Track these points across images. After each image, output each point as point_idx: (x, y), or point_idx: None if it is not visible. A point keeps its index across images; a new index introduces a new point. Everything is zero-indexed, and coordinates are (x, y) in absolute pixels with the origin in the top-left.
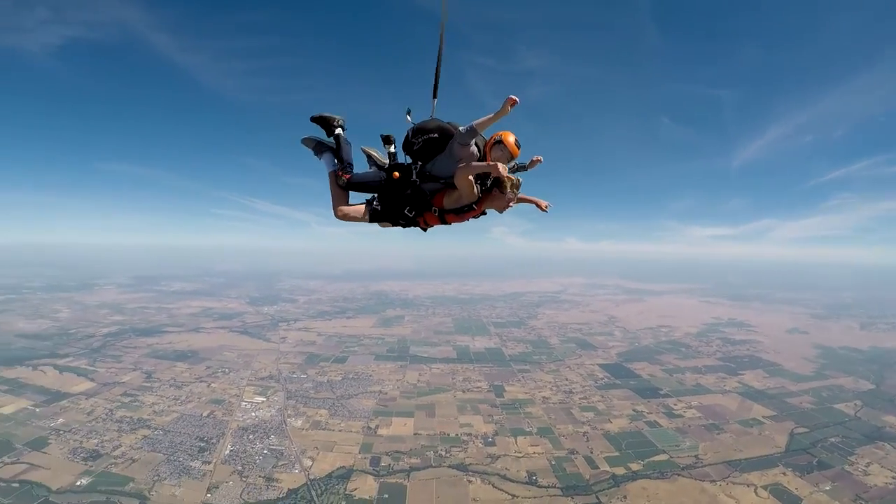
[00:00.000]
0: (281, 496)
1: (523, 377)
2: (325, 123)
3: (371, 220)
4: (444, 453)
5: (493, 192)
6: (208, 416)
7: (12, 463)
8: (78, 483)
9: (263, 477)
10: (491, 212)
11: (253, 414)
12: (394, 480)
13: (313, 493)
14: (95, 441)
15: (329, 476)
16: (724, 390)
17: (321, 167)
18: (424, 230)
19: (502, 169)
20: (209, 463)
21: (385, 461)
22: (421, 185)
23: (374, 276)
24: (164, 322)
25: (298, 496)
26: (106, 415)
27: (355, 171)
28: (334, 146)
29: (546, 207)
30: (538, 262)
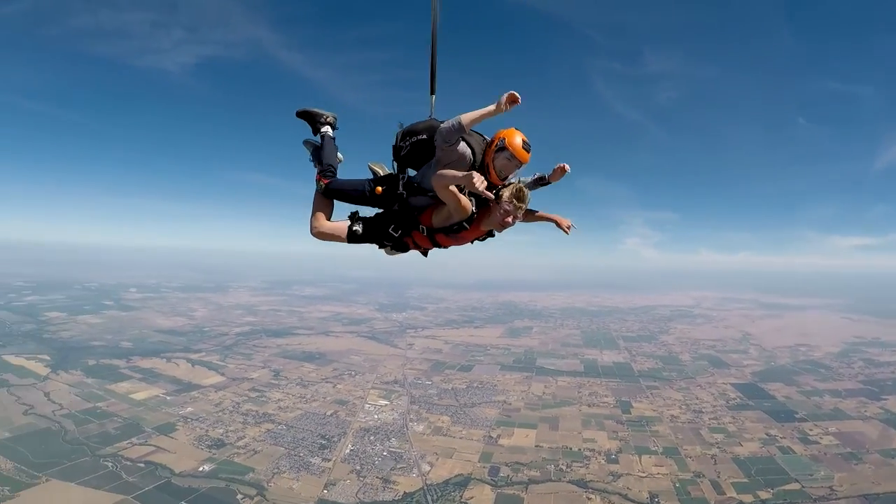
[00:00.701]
0: (396, 498)
1: (651, 394)
2: (312, 120)
3: (350, 241)
4: (564, 468)
5: (490, 207)
6: (332, 415)
7: (141, 444)
8: (200, 468)
9: (381, 478)
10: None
11: (375, 416)
12: (511, 492)
13: (429, 497)
14: (221, 431)
15: (446, 482)
16: (865, 416)
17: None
18: (425, 254)
19: (478, 182)
20: (329, 460)
21: (504, 472)
22: (408, 198)
23: (503, 286)
24: (295, 324)
25: (414, 500)
26: (233, 407)
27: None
28: (319, 145)
29: (568, 228)
30: (671, 274)
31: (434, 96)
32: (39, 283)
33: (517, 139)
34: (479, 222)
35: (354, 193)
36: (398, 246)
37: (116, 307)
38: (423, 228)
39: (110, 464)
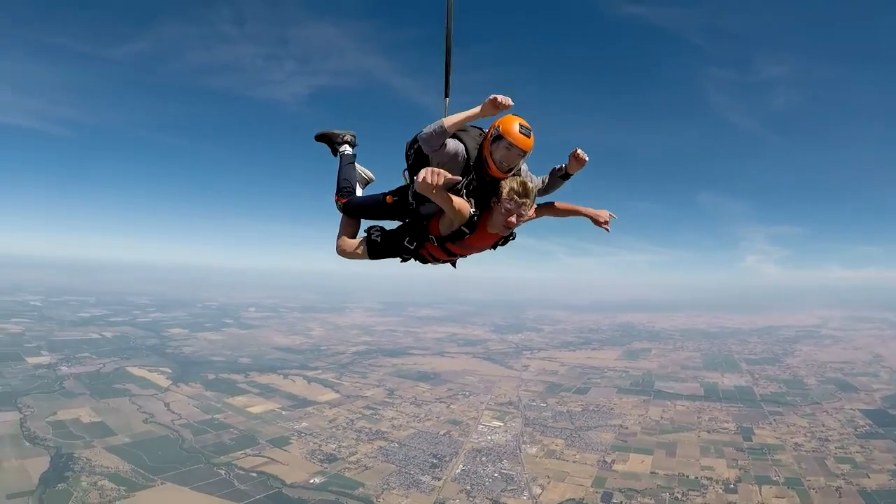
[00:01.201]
0: None
1: (774, 420)
2: (329, 141)
3: (371, 256)
4: (680, 496)
5: (493, 208)
6: (444, 434)
7: (254, 455)
8: (311, 481)
9: (490, 499)
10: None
11: (488, 437)
12: None
13: None
14: (333, 446)
15: None
16: None
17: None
18: (454, 265)
19: (428, 178)
20: (439, 479)
21: (617, 498)
22: (418, 208)
23: (621, 306)
24: (410, 345)
25: None
26: (346, 423)
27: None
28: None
29: (606, 222)
30: (795, 292)
31: (448, 99)
32: (163, 302)
33: (514, 125)
34: (484, 225)
35: (372, 208)
36: (417, 258)
37: (236, 325)
38: (433, 238)
39: (223, 472)
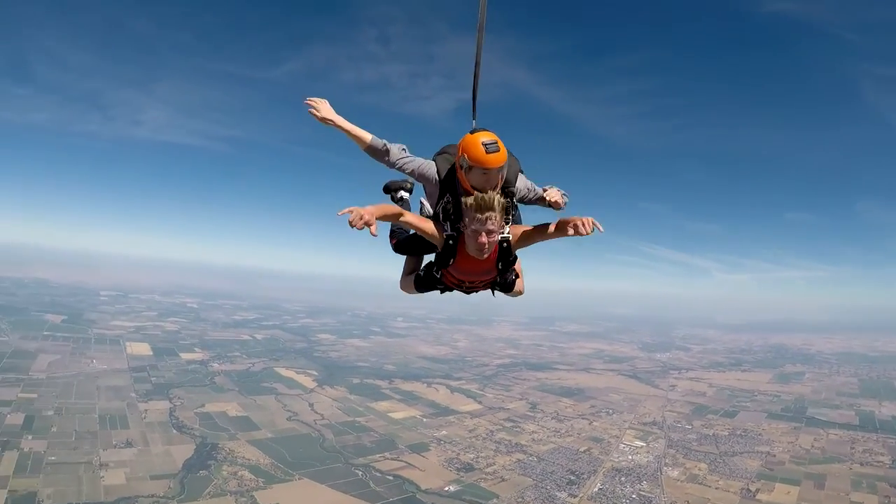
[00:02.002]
0: None
1: None
2: (390, 190)
3: (417, 290)
4: None
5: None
6: (584, 451)
7: (392, 459)
8: (446, 488)
9: None
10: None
11: (629, 457)
12: None
13: None
14: (471, 455)
15: None
16: None
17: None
18: (492, 293)
19: (352, 219)
20: (575, 496)
21: None
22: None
23: (774, 327)
24: (555, 360)
25: None
26: (486, 435)
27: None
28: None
29: (585, 228)
30: None
31: (475, 121)
32: (314, 309)
33: (479, 149)
34: (463, 249)
35: (410, 241)
36: (445, 287)
37: (383, 334)
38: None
39: (361, 472)
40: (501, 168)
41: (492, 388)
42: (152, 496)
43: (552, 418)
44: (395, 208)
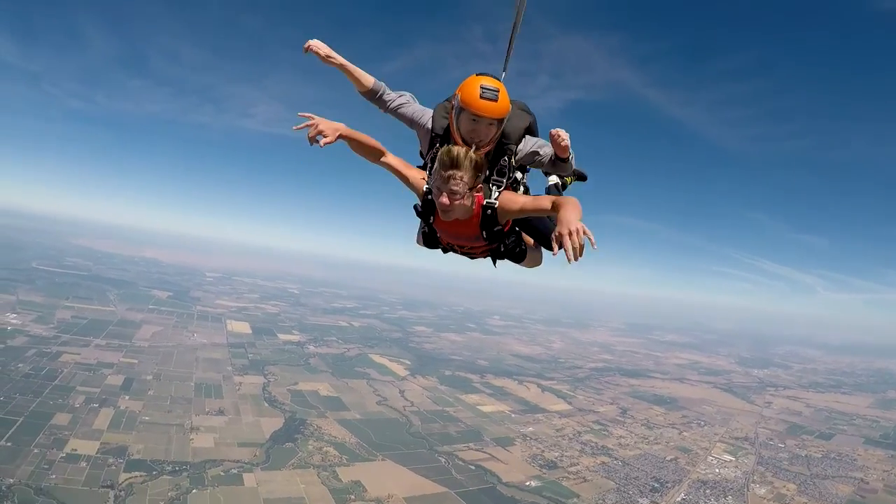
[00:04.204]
0: None
1: None
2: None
3: (425, 245)
4: None
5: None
6: (671, 460)
7: (477, 450)
8: (527, 483)
9: None
10: None
11: (717, 470)
12: None
13: None
14: (556, 454)
15: None
16: None
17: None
18: (470, 258)
19: (326, 131)
20: None
21: None
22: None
23: (879, 350)
24: (650, 368)
25: None
26: (573, 435)
27: None
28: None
29: (574, 254)
30: None
31: (505, 73)
32: (412, 302)
33: (475, 89)
34: (437, 213)
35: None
36: (444, 247)
37: (479, 330)
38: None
39: (443, 460)
40: (495, 121)
41: (583, 391)
42: (238, 461)
43: (642, 425)
44: (374, 142)
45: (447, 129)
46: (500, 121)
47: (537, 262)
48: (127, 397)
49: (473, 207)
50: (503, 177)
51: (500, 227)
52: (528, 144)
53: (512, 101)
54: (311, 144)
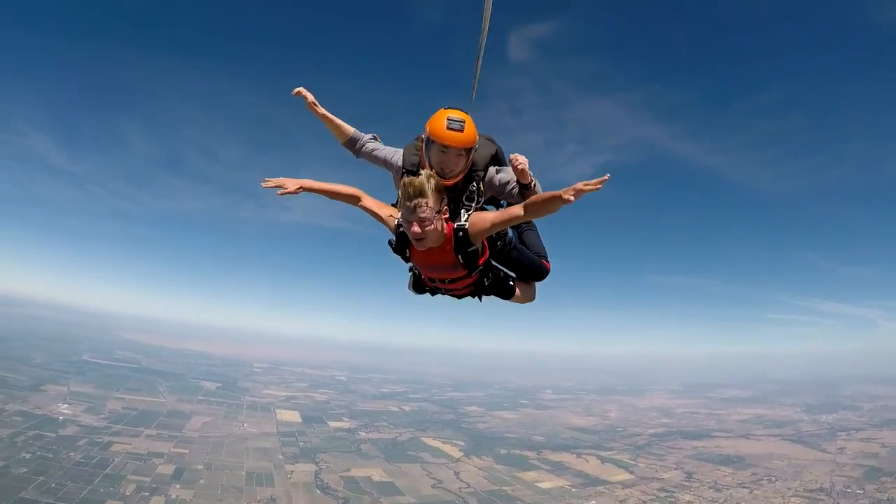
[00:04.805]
0: None
1: None
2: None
3: (415, 290)
4: None
5: None
6: None
7: None
8: None
9: None
10: None
11: None
12: None
13: None
14: None
15: None
16: None
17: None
18: (455, 297)
19: (286, 184)
20: None
21: None
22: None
23: None
24: (712, 427)
25: None
26: None
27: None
28: None
29: (576, 193)
30: None
31: (472, 101)
32: (461, 382)
33: (442, 122)
34: (412, 245)
35: None
36: (431, 289)
37: (532, 406)
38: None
39: None
40: (463, 151)
41: (644, 458)
42: None
43: (709, 488)
44: (348, 189)
45: (417, 165)
46: (468, 150)
47: (529, 297)
48: (178, 486)
49: (445, 233)
50: (472, 201)
51: (475, 248)
52: (499, 177)
53: (480, 135)
54: (279, 195)
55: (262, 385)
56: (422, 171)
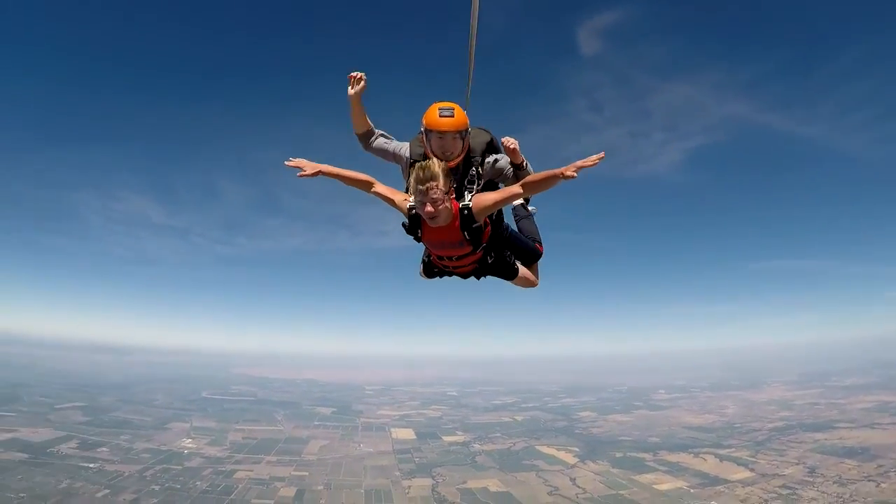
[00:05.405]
0: None
1: None
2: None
3: (426, 275)
4: None
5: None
6: None
7: None
8: None
9: None
10: None
11: None
12: None
13: None
14: None
15: None
16: None
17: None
18: (462, 277)
19: (305, 167)
20: None
21: None
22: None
23: None
24: (834, 418)
25: None
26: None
27: None
28: None
29: (577, 171)
30: None
31: (467, 108)
32: (573, 388)
33: (434, 113)
34: (425, 225)
35: None
36: (441, 270)
37: (645, 407)
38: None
39: None
40: (458, 133)
41: (764, 454)
42: None
43: (833, 482)
44: (362, 176)
45: (423, 155)
46: (462, 133)
47: (532, 281)
48: None
49: (452, 212)
50: (473, 184)
51: (479, 225)
52: (495, 160)
53: (474, 126)
54: (298, 176)
55: (376, 406)
56: (430, 159)
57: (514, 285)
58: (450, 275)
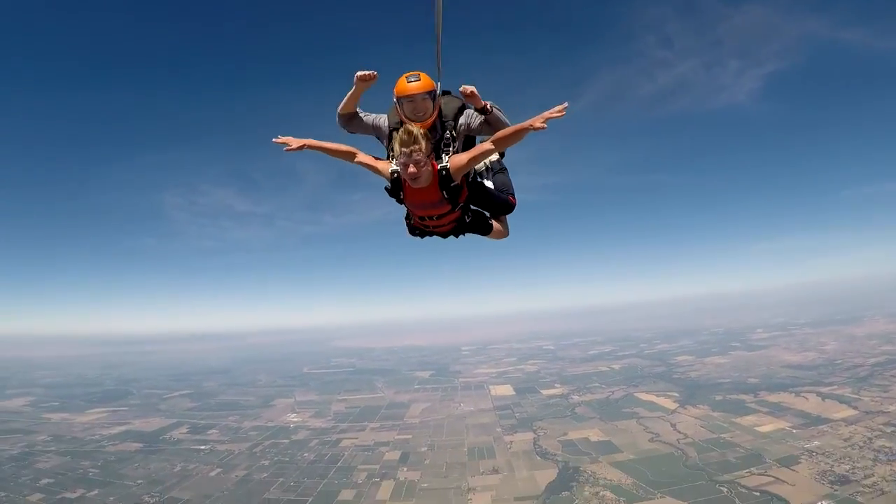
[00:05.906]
0: None
1: None
2: None
3: (410, 234)
4: None
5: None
6: None
7: (759, 474)
8: (819, 503)
9: None
10: None
11: None
12: None
13: None
14: (847, 466)
15: None
16: None
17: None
18: (442, 236)
19: (291, 142)
20: None
21: None
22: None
23: None
24: None
25: None
26: (864, 443)
27: None
28: None
29: (545, 122)
30: None
31: (439, 83)
32: (668, 333)
33: (402, 81)
34: (405, 187)
35: None
36: (421, 230)
37: (743, 348)
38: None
39: (726, 489)
40: (427, 95)
41: (867, 391)
42: None
43: None
44: (345, 147)
45: (400, 122)
46: (430, 93)
47: (504, 232)
48: (405, 469)
49: (433, 173)
50: (449, 146)
51: (457, 184)
52: (464, 119)
53: (446, 94)
54: (285, 151)
55: (473, 366)
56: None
57: (490, 239)
58: (430, 234)
